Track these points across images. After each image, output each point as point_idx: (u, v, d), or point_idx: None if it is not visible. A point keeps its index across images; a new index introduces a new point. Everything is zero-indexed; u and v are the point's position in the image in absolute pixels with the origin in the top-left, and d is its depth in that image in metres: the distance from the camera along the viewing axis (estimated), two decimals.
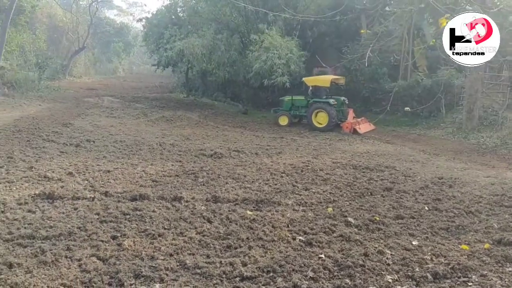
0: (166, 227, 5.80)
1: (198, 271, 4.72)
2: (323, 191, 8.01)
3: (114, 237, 5.49)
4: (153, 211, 6.40)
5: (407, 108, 19.82)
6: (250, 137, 15.15)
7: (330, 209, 6.88)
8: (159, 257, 4.94)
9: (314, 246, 5.42)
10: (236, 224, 6.01)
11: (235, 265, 4.86)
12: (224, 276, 4.65)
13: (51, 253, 5.01)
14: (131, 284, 4.40)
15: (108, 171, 8.94)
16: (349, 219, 6.44)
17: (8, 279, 4.36)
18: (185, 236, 5.52)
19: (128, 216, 6.14)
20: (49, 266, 4.73)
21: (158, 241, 5.39)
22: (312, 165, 10.38)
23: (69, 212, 6.27)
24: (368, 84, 21.80)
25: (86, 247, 5.16)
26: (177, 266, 4.82)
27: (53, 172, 8.63)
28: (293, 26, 22.61)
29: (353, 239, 5.66)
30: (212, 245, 5.34)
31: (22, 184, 7.71)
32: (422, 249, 5.51)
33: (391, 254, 5.28)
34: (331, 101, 17.81)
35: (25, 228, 5.68)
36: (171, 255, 5.04)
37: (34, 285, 4.30)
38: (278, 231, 5.76)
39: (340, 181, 8.78)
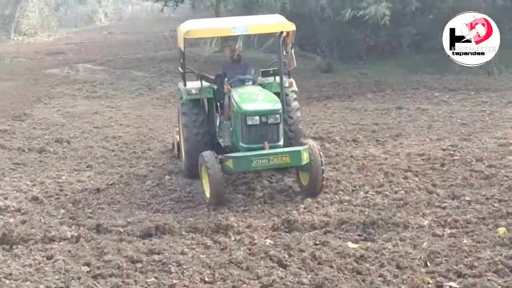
0: (207, 279, 4.66)
1: None
2: (486, 198, 6.13)
3: None
4: (182, 253, 5.19)
5: None
6: (340, 111, 11.32)
7: (502, 230, 5.29)
8: None
9: None
10: (331, 266, 4.70)
11: None
12: None
13: None
14: None
15: (98, 190, 7.36)
16: None
17: None
18: None
19: (140, 265, 4.95)
20: None
21: None
22: (462, 152, 7.77)
23: (39, 264, 5.11)
24: None
25: None
26: None
27: (5, 198, 7.04)
28: None
29: None
30: None
31: None
32: None
33: None
34: None
35: None
36: None
37: None
38: (409, 275, 4.48)
39: None
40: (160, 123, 11.13)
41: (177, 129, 8.24)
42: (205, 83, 7.22)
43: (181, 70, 7.64)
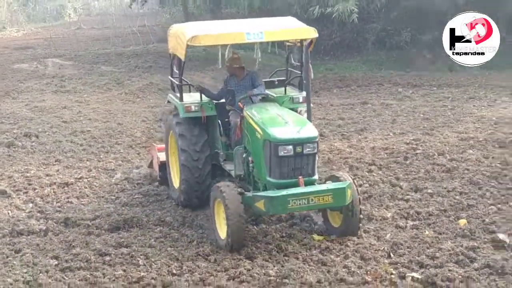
0: (174, 271, 4.69)
1: None
2: (448, 191, 6.20)
3: None
4: (150, 246, 5.26)
5: None
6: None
7: (463, 221, 5.38)
8: None
9: None
10: (297, 258, 4.80)
11: None
12: None
13: None
14: None
15: (67, 184, 7.37)
16: (500, 236, 4.96)
17: None
18: (210, 286, 4.49)
19: (108, 258, 5.02)
20: None
21: None
22: (424, 146, 7.80)
23: (6, 258, 5.15)
24: None
25: None
26: None
27: None
28: None
29: (510, 272, 4.30)
30: None
31: None
32: None
33: None
34: None
35: None
36: None
37: None
38: (373, 266, 4.58)
39: (477, 172, 6.71)
40: (128, 118, 11.00)
41: (158, 146, 6.90)
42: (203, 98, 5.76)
43: (175, 81, 6.13)
